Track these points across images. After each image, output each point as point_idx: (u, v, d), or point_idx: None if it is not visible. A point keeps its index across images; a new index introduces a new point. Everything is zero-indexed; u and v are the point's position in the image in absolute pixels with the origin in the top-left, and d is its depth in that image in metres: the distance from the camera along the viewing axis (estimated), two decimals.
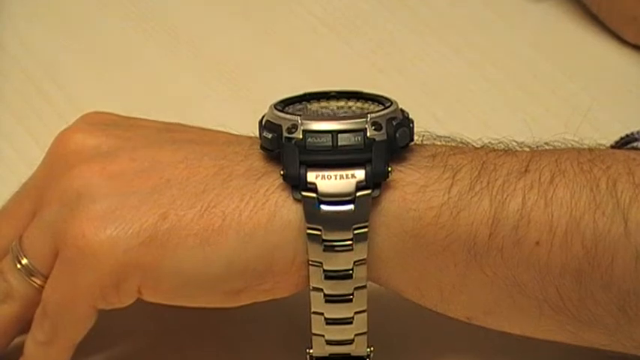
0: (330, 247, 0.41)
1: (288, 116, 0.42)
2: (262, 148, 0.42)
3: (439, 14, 0.67)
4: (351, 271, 0.41)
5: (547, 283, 0.41)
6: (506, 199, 0.41)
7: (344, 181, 0.41)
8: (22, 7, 0.67)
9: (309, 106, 0.44)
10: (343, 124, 0.41)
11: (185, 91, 0.62)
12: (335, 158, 0.41)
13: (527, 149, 0.45)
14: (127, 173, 0.42)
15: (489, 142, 0.45)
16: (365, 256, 0.41)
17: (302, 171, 0.41)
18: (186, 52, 0.65)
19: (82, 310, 0.42)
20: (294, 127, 0.41)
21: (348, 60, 0.64)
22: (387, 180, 0.41)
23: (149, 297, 0.42)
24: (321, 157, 0.41)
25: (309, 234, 0.41)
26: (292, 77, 0.63)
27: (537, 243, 0.41)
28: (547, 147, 0.45)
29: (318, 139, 0.41)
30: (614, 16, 0.64)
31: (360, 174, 0.41)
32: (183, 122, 0.58)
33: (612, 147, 0.47)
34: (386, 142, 0.41)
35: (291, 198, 0.41)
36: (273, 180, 0.41)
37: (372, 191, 0.41)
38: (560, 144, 0.45)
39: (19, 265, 0.43)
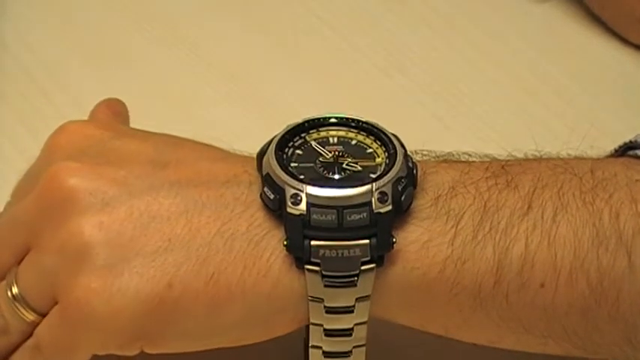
0: (331, 311, 0.40)
1: (291, 181, 0.39)
2: (262, 199, 0.40)
3: (441, 15, 0.66)
4: (351, 331, 0.40)
5: (552, 322, 0.41)
6: (509, 244, 0.40)
7: (348, 258, 0.39)
8: (24, 7, 0.66)
9: (308, 139, 0.42)
10: (348, 198, 0.39)
11: (186, 90, 0.61)
12: (340, 235, 0.39)
13: (532, 157, 0.44)
14: (126, 229, 0.40)
15: (493, 158, 0.43)
16: (366, 319, 0.40)
17: (305, 244, 0.39)
18: (188, 52, 0.63)
19: (80, 357, 0.41)
20: (298, 198, 0.39)
21: (350, 60, 0.63)
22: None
23: (151, 352, 0.41)
24: (326, 234, 0.39)
25: (311, 300, 0.40)
26: (294, 77, 0.62)
27: (542, 285, 0.40)
28: (553, 156, 0.44)
29: (323, 216, 0.39)
30: (619, 17, 0.63)
31: (364, 247, 0.39)
32: (184, 122, 0.58)
33: (613, 154, 0.45)
34: (391, 212, 0.39)
35: (294, 266, 0.39)
36: (275, 243, 0.40)
37: (376, 264, 0.39)
38: (565, 153, 0.44)
39: (9, 294, 0.42)
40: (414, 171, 0.41)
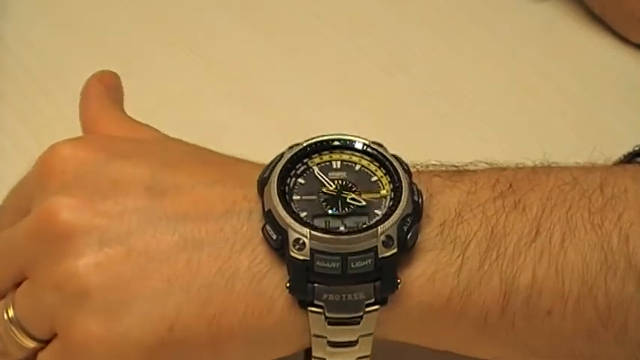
0: (334, 345, 0.39)
1: (294, 224, 0.38)
2: (264, 234, 0.39)
3: (442, 14, 0.65)
4: None
5: (559, 347, 0.40)
6: (516, 272, 0.39)
7: (352, 302, 0.38)
8: (25, 6, 0.65)
9: (310, 164, 0.40)
10: (353, 245, 0.38)
11: (186, 90, 0.60)
12: (344, 282, 0.38)
13: (540, 167, 0.42)
14: (124, 271, 0.39)
15: (500, 168, 0.42)
16: (369, 353, 0.39)
17: (309, 287, 0.38)
18: (188, 51, 0.62)
19: None
20: (301, 242, 0.38)
21: (351, 60, 0.62)
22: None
23: None
24: (330, 280, 0.38)
25: (314, 336, 0.39)
26: (294, 77, 0.61)
27: (549, 312, 0.39)
28: (561, 164, 0.42)
29: (327, 264, 0.37)
30: (619, 17, 0.62)
31: (368, 290, 0.38)
32: (184, 122, 0.57)
33: (622, 161, 0.45)
34: (396, 254, 0.38)
35: (297, 304, 0.38)
36: (277, 281, 0.38)
37: (380, 303, 0.38)
38: (573, 161, 0.43)
39: (6, 317, 0.41)
40: (419, 201, 0.39)
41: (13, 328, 0.41)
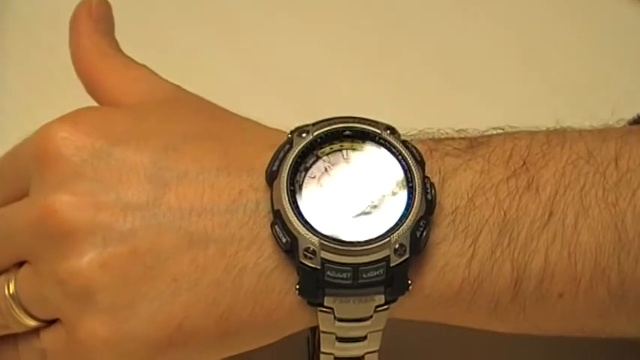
0: (343, 340, 0.39)
1: (305, 232, 0.37)
2: (272, 232, 0.38)
3: None
4: (361, 358, 0.40)
5: (570, 326, 0.40)
6: (528, 258, 0.39)
7: (362, 305, 0.38)
8: None
9: (320, 155, 0.39)
10: (364, 257, 0.37)
11: (197, 58, 0.59)
12: (355, 291, 0.38)
13: (554, 135, 0.41)
14: (130, 272, 0.38)
15: (514, 136, 0.41)
16: (377, 347, 0.39)
17: (319, 292, 0.37)
18: (204, 28, 0.61)
19: None
20: (312, 253, 0.37)
21: (360, 36, 0.61)
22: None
23: None
24: (340, 290, 0.37)
25: (323, 332, 0.39)
26: (304, 49, 0.60)
27: (561, 295, 0.39)
28: (575, 130, 0.41)
29: (338, 274, 0.37)
30: None
31: (379, 296, 0.38)
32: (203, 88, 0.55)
33: (635, 121, 0.44)
34: (409, 259, 0.38)
35: (305, 302, 0.38)
36: (285, 276, 0.38)
37: (390, 305, 0.38)
38: (587, 125, 0.42)
39: (7, 292, 0.41)
40: (433, 195, 0.39)
41: (14, 306, 0.40)
